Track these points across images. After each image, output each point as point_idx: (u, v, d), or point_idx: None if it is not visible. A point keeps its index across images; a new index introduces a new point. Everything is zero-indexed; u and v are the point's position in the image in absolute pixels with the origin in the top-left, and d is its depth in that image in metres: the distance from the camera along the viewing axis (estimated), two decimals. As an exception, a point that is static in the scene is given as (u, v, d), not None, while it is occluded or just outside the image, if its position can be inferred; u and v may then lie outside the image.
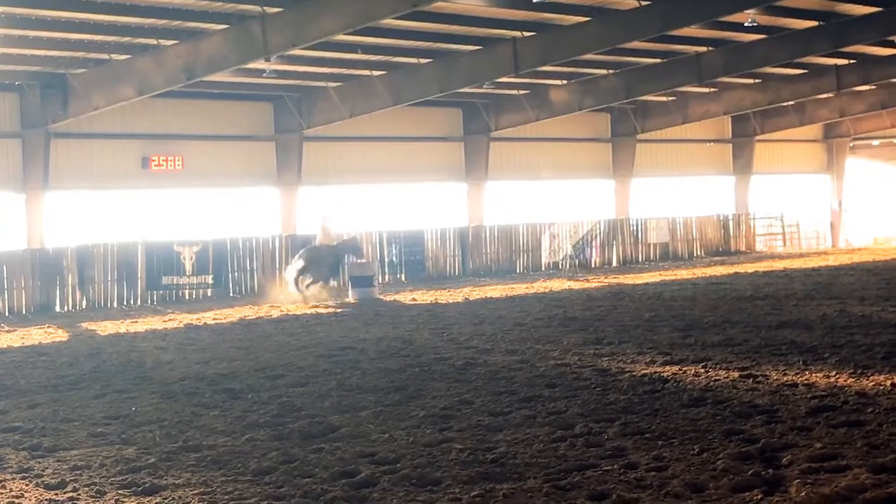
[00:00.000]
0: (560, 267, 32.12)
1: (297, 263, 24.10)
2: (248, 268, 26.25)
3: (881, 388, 9.98)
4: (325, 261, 24.40)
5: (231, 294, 25.32)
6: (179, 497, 7.24)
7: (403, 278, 28.72)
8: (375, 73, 26.13)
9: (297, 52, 21.78)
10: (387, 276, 28.21)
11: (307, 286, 23.89)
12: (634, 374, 11.52)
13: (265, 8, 19.80)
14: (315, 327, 17.90)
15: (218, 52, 21.00)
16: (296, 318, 19.73)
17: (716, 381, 10.86)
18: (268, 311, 21.37)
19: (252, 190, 28.42)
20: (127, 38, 21.21)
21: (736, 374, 11.13)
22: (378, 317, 19.41)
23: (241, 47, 20.64)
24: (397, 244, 29.36)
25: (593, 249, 33.88)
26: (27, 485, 7.77)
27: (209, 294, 25.05)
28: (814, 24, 26.32)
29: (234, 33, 20.60)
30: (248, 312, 21.05)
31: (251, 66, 22.66)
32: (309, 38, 20.16)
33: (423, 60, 25.70)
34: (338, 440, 8.78)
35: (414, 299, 23.12)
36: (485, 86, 28.02)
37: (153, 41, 21.35)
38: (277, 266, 26.31)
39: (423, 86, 26.30)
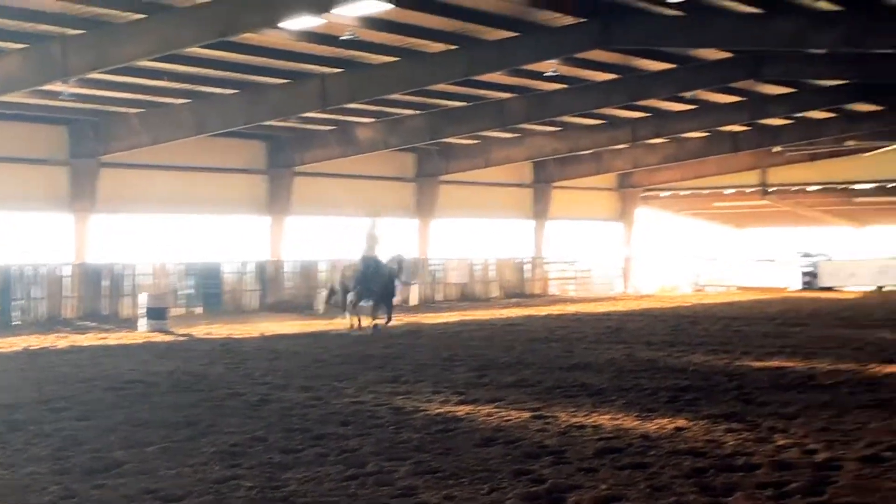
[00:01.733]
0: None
1: (336, 278, 23.69)
2: (35, 296, 25.30)
3: (664, 431, 10.30)
4: (366, 276, 22.57)
5: (14, 323, 24.33)
6: (-51, 534, 6.87)
7: (200, 311, 28.19)
8: (180, 101, 25.71)
9: (97, 75, 21.25)
10: (183, 309, 27.64)
11: (328, 300, 23.84)
12: (429, 413, 11.57)
13: (66, 29, 19.26)
14: (103, 359, 17.37)
15: (15, 71, 20.33)
16: (83, 350, 19.11)
17: (507, 421, 11.00)
18: (54, 341, 20.63)
19: (45, 216, 27.44)
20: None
21: (527, 415, 11.31)
22: (170, 350, 18.98)
23: (40, 68, 20.04)
24: (194, 276, 28.85)
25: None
26: None
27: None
28: (612, 77, 27.23)
29: (33, 54, 19.97)
30: (34, 342, 20.29)
31: (48, 87, 21.99)
32: (111, 62, 19.70)
33: (229, 91, 25.43)
34: (122, 476, 8.50)
35: (209, 333, 22.72)
36: (291, 120, 27.93)
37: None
38: (68, 294, 25.47)
39: (228, 117, 26.04)
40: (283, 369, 15.68)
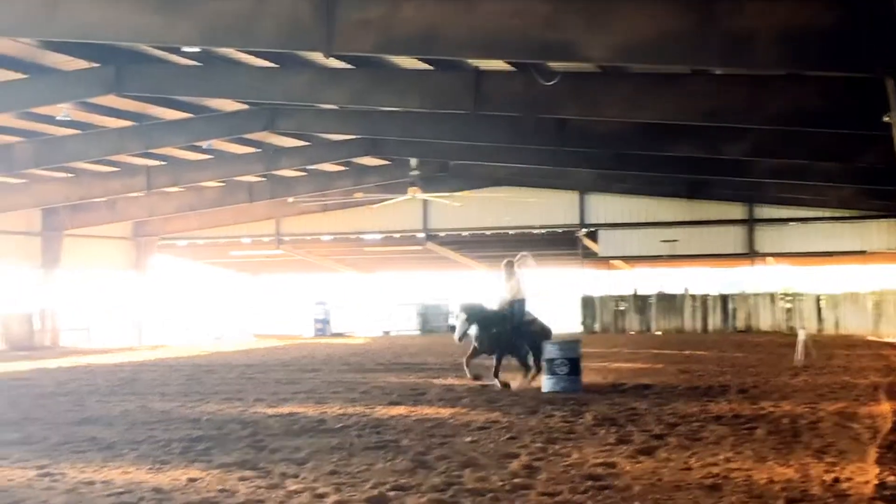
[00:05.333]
0: None
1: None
2: None
3: (177, 482, 10.23)
4: (492, 324, 19.63)
5: None
6: None
7: None
8: None
9: None
10: None
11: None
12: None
13: None
14: None
15: None
16: None
17: (10, 481, 10.46)
18: None
19: None
20: None
21: (32, 474, 10.81)
22: None
23: None
24: None
25: None
26: None
27: None
28: (127, 123, 26.90)
29: None
30: None
31: None
32: None
33: None
34: None
35: None
36: None
37: None
38: None
39: None
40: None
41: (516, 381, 19.37)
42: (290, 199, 41.94)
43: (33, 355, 33.17)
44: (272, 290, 51.88)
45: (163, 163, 33.54)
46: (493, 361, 19.74)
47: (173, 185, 36.43)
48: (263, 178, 38.28)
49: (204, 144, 30.19)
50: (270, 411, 16.29)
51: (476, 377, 19.75)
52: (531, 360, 19.64)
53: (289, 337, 42.99)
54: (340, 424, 14.55)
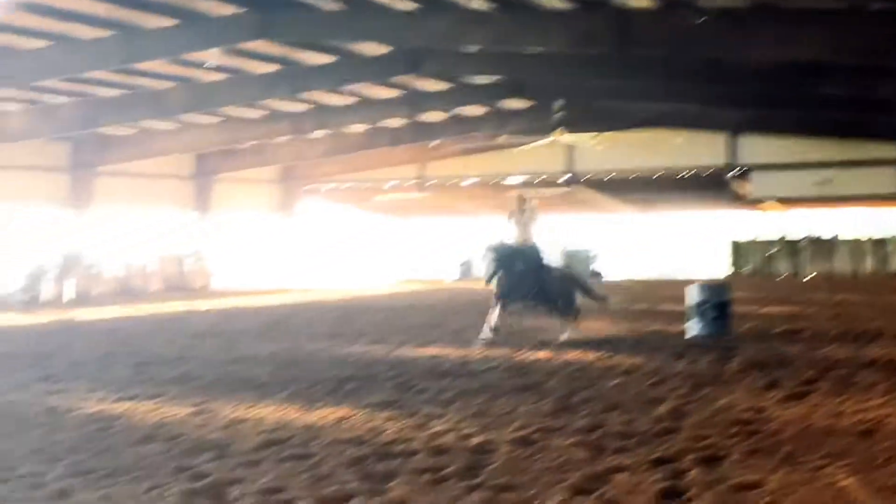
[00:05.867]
0: (9, 301, 30.58)
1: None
2: None
3: (326, 421, 10.42)
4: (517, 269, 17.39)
5: None
6: None
7: None
8: None
9: None
10: None
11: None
12: (84, 411, 11.19)
13: None
14: None
15: None
16: None
17: (168, 417, 10.81)
18: None
19: None
20: None
21: (188, 410, 11.14)
22: None
23: None
24: None
25: (47, 283, 32.60)
26: None
27: None
28: (274, 69, 27.25)
29: None
30: None
31: None
32: None
33: None
34: None
35: None
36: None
37: None
38: None
39: None
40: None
41: (564, 335, 17.55)
42: (433, 143, 42.07)
43: (186, 296, 34.16)
44: (415, 233, 52.27)
45: (309, 107, 33.94)
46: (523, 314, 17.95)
47: (319, 130, 36.87)
48: (407, 122, 38.46)
49: (348, 89, 30.36)
50: (416, 353, 16.48)
51: (495, 332, 17.48)
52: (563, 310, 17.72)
53: (432, 281, 43.34)
54: (485, 367, 14.63)
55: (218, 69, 26.21)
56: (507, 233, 17.91)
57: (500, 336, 17.37)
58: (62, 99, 28.99)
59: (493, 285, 17.54)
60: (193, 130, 35.38)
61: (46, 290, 32.23)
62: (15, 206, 34.53)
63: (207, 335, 20.00)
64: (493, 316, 17.49)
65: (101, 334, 20.52)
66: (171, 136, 35.43)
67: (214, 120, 34.73)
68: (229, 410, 11.15)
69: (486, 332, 17.35)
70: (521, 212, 17.92)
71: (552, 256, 18.49)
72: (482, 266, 18.08)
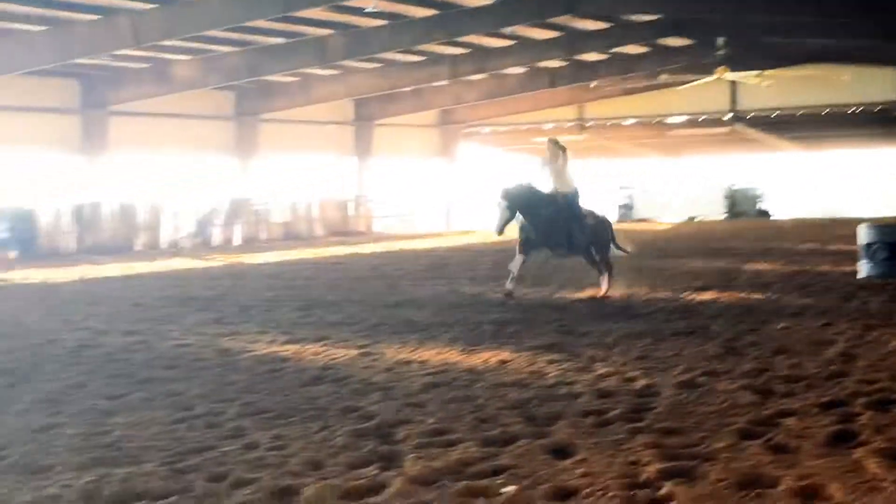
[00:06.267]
0: (181, 246, 31.58)
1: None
2: None
3: (489, 364, 10.50)
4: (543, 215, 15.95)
5: None
6: None
7: (13, 256, 27.25)
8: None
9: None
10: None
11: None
12: (255, 353, 11.52)
13: None
14: (-87, 308, 16.67)
15: None
16: None
17: (334, 359, 11.04)
18: None
19: None
20: None
21: (354, 352, 11.37)
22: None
23: None
24: (7, 219, 27.85)
25: (216, 228, 33.54)
26: None
27: None
28: (432, 13, 27.27)
29: None
30: None
31: None
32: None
33: (37, 27, 24.45)
34: (-62, 428, 8.22)
35: (25, 278, 22.01)
36: (103, 58, 27.08)
37: None
38: None
39: (37, 55, 25.01)
40: (104, 313, 15.32)
41: (601, 289, 16.29)
42: (592, 84, 41.59)
43: (348, 241, 34.73)
44: (575, 175, 51.90)
45: (466, 51, 33.91)
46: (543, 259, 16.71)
47: (477, 73, 36.81)
48: (565, 63, 38.08)
49: (506, 30, 30.19)
50: (577, 295, 16.43)
51: (509, 291, 15.89)
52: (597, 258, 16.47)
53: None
54: (648, 309, 14.51)
55: (377, 15, 26.38)
56: (542, 180, 16.41)
57: (522, 284, 16.14)
58: (227, 48, 29.61)
59: (502, 234, 16.32)
60: (353, 76, 35.74)
61: (215, 235, 33.17)
62: (185, 153, 35.50)
63: (370, 278, 20.32)
64: (515, 264, 16.01)
65: (268, 278, 21.04)
66: (332, 82, 35.88)
67: (374, 66, 35.01)
68: (393, 353, 11.33)
69: (509, 282, 15.91)
70: (555, 157, 16.30)
71: (587, 202, 16.81)
72: (493, 214, 16.39)
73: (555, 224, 15.90)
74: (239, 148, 36.38)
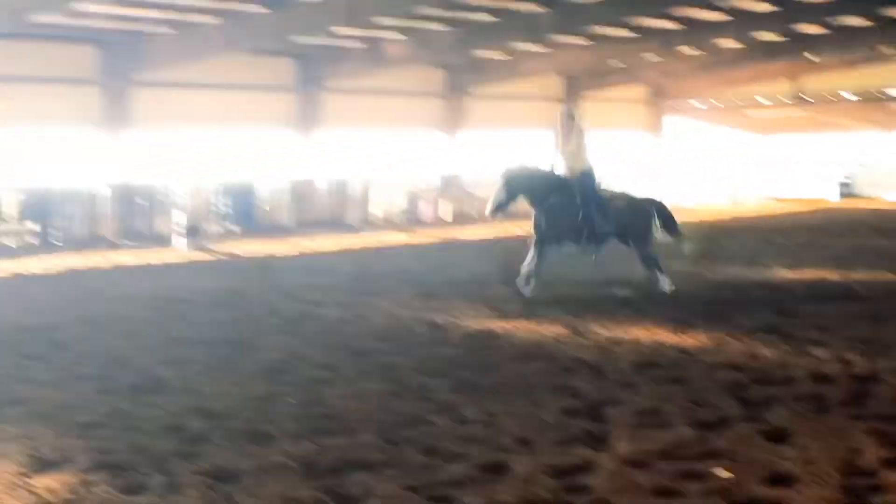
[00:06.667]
0: (392, 221, 32.17)
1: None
2: (74, 215, 25.48)
3: (702, 344, 10.34)
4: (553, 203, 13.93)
5: (55, 243, 24.45)
6: (2, 451, 7.00)
7: (235, 229, 28.31)
8: (209, 19, 25.56)
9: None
10: (220, 227, 27.76)
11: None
12: (466, 328, 11.65)
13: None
14: (142, 277, 17.53)
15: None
16: (122, 268, 19.27)
17: (545, 336, 11.07)
18: (94, 260, 20.79)
19: (79, 135, 27.44)
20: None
21: (564, 330, 11.36)
22: (208, 268, 19.13)
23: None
24: (231, 194, 28.95)
25: (426, 204, 34.01)
26: None
27: (33, 242, 24.20)
28: (644, -14, 26.86)
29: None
30: (75, 261, 20.45)
31: (78, 7, 21.86)
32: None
33: (259, 9, 25.24)
34: (167, 393, 8.63)
35: (246, 251, 22.84)
36: (319, 36, 27.76)
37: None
38: (105, 213, 25.69)
39: (258, 34, 25.85)
40: (321, 286, 15.73)
41: (663, 284, 14.10)
42: (810, 57, 40.20)
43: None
44: (790, 151, 50.38)
45: (679, 25, 33.26)
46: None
47: (689, 47, 36.08)
48: (782, 36, 36.93)
49: (721, 3, 29.50)
50: (793, 276, 15.98)
51: (528, 283, 13.97)
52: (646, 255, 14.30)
53: (810, 200, 41.73)
54: (868, 292, 13.99)
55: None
56: (554, 158, 14.30)
57: (538, 287, 13.99)
58: (438, 26, 29.90)
59: (496, 216, 14.55)
60: (562, 52, 35.56)
61: (426, 211, 33.65)
62: (395, 129, 36.08)
63: (578, 255, 20.20)
64: (526, 262, 14.11)
65: (478, 253, 21.21)
66: (541, 58, 35.78)
67: (583, 41, 34.75)
68: (604, 331, 11.27)
69: (521, 283, 13.95)
70: (569, 132, 14.05)
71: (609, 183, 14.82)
72: (491, 195, 14.49)
73: (566, 212, 13.81)
74: (448, 124, 36.75)
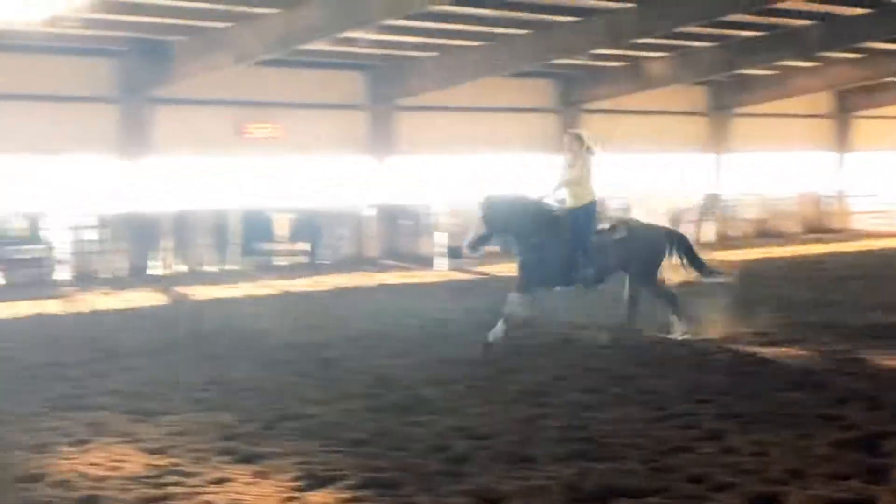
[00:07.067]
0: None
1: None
2: (340, 236, 26.41)
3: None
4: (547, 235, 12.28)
5: (324, 262, 25.38)
6: (277, 466, 7.30)
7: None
8: (471, 43, 26.02)
9: (394, 22, 21.74)
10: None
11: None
12: (730, 353, 11.37)
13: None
14: (406, 297, 17.94)
15: (316, 20, 21.01)
16: (387, 288, 19.80)
17: (814, 363, 10.68)
18: (359, 279, 21.45)
19: (346, 159, 28.43)
20: (224, 7, 21.20)
21: (835, 357, 10.93)
22: (469, 288, 19.42)
23: (340, 16, 20.65)
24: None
25: (688, 224, 33.46)
26: (129, 449, 7.88)
27: (302, 262, 25.19)
28: (922, -2, 25.65)
29: (334, 2, 20.61)
30: (342, 281, 21.14)
31: (347, 35, 22.65)
32: (409, 8, 20.13)
33: (519, 31, 25.51)
34: (432, 413, 8.79)
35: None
36: (580, 57, 27.81)
37: (251, 9, 21.41)
38: (370, 234, 26.56)
39: (519, 57, 26.14)
40: (584, 308, 15.57)
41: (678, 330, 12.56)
42: None
43: (825, 238, 33.41)
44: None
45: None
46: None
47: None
48: None
49: None
50: None
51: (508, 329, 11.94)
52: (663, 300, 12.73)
53: None
54: None
55: (857, 3, 25.19)
56: (556, 187, 12.65)
57: (520, 331, 12.38)
58: (702, 44, 29.41)
59: (470, 255, 13.22)
60: (833, 67, 34.35)
61: (688, 230, 33.07)
62: (656, 149, 35.65)
63: (849, 279, 19.43)
64: (509, 304, 12.23)
65: (741, 276, 20.61)
66: (810, 74, 34.63)
67: (855, 55, 33.46)
68: (878, 360, 10.77)
69: (497, 329, 11.96)
70: (576, 158, 12.52)
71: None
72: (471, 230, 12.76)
73: (552, 253, 12.22)
74: (711, 143, 36.07)
